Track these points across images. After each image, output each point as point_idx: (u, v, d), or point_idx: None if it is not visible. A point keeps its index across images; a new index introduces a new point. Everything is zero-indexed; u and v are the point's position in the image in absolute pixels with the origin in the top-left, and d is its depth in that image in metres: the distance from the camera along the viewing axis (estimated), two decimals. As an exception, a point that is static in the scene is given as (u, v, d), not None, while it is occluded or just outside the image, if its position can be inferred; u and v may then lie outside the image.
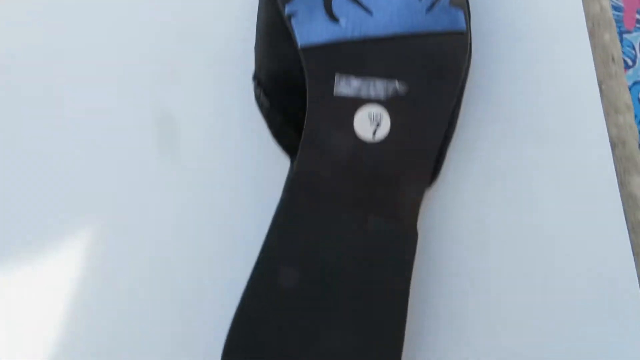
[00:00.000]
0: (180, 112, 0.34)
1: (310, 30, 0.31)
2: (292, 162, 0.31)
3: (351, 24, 0.31)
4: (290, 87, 0.31)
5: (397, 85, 0.30)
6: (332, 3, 0.31)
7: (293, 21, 0.31)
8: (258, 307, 0.27)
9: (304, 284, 0.27)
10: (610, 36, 0.34)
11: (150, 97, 0.34)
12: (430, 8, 0.31)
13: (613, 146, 0.32)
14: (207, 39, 0.36)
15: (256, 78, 0.33)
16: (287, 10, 0.31)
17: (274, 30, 0.32)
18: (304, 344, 0.26)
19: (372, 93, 0.30)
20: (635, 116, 0.34)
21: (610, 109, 0.32)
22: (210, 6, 0.36)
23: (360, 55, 0.30)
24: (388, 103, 0.30)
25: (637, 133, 0.34)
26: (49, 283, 0.32)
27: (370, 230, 0.28)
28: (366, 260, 0.28)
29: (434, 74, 0.31)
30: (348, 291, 0.27)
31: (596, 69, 0.34)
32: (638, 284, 0.31)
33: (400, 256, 0.28)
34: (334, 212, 0.28)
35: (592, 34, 0.35)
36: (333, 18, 0.31)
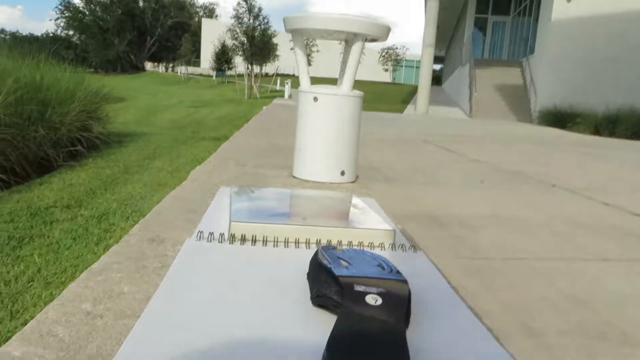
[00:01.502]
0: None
1: (339, 270, 0.68)
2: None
3: (353, 270, 0.69)
4: (327, 292, 0.66)
5: (382, 289, 0.66)
6: (340, 263, 0.70)
7: (331, 267, 0.68)
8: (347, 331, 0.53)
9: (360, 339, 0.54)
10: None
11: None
12: (390, 272, 0.71)
13: None
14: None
15: (313, 293, 0.67)
16: (328, 265, 0.69)
17: (319, 272, 0.69)
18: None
19: (372, 290, 0.65)
20: None
21: None
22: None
23: (362, 280, 0.67)
24: (380, 294, 0.65)
25: None
26: None
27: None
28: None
29: (394, 289, 0.67)
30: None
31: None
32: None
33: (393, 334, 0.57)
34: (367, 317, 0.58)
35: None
36: (346, 267, 0.69)
